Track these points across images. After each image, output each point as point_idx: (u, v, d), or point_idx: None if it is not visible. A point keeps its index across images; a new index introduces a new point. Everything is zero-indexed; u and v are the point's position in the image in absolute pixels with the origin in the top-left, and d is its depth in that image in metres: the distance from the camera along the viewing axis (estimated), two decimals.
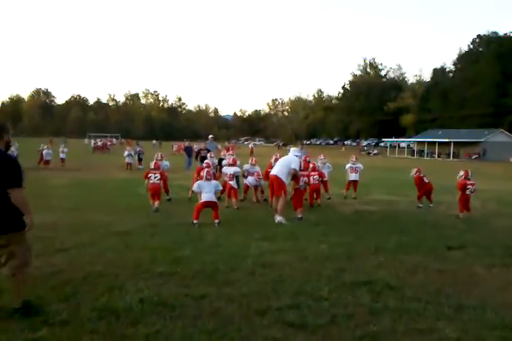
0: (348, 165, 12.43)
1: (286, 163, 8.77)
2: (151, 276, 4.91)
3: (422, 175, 11.00)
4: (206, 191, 8.11)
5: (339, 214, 9.81)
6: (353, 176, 12.26)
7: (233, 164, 10.79)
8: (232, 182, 10.23)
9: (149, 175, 9.69)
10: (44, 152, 21.47)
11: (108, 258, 5.60)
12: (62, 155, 23.28)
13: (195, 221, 7.87)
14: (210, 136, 16.47)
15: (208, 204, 8.07)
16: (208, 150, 14.74)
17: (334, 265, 5.50)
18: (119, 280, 4.75)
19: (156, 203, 9.38)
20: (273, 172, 8.78)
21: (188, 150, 22.49)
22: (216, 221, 7.96)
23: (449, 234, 7.61)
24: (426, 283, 4.91)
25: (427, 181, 10.96)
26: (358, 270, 5.30)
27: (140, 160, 23.32)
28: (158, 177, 9.69)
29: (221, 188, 8.91)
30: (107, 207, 9.83)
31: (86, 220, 8.13)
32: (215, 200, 8.23)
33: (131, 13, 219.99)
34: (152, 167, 9.99)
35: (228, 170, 10.49)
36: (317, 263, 5.60)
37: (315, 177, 10.38)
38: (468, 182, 9.52)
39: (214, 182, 8.44)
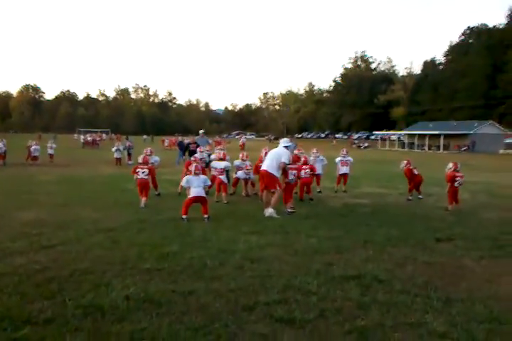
0: (338, 159, 12.39)
1: (276, 156, 8.61)
2: (138, 272, 4.85)
3: (411, 167, 11.03)
4: (195, 186, 8.02)
5: (329, 207, 9.79)
6: (343, 169, 12.23)
7: (223, 158, 10.72)
8: (223, 177, 10.16)
9: (137, 170, 9.55)
10: (32, 148, 21.26)
11: (95, 255, 5.52)
12: (50, 151, 23.08)
13: (184, 216, 7.80)
14: (201, 131, 16.39)
15: (197, 199, 8.00)
16: (197, 145, 14.66)
17: (323, 259, 5.47)
18: (106, 277, 4.68)
19: (143, 200, 9.23)
20: (263, 166, 8.69)
21: (181, 145, 22.49)
22: (205, 216, 7.89)
23: (437, 227, 7.62)
24: (414, 275, 4.91)
25: (416, 173, 10.99)
26: (346, 264, 5.28)
27: (129, 155, 23.13)
28: (147, 172, 9.54)
29: (210, 183, 8.82)
30: (94, 202, 9.72)
31: (73, 216, 8.03)
32: (204, 195, 8.15)
33: (121, 7, 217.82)
34: (140, 161, 9.87)
35: (218, 165, 10.41)
36: (306, 257, 5.57)
37: (306, 170, 10.32)
38: (457, 174, 9.55)
39: (203, 176, 8.35)
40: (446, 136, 50.13)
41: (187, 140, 24.01)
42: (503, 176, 18.74)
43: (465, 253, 5.89)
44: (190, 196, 8.02)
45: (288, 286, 4.47)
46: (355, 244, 6.27)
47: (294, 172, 9.29)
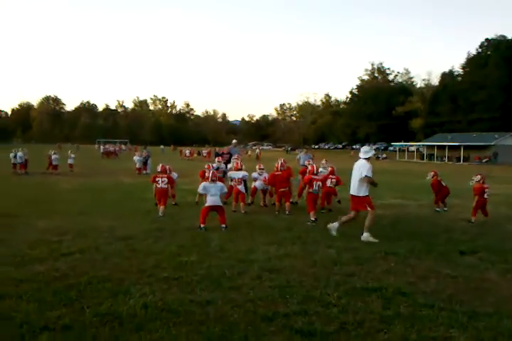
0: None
1: (357, 173, 7.56)
2: (156, 281, 4.82)
3: (439, 179, 10.91)
4: (212, 193, 8.00)
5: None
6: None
7: (240, 168, 10.69)
8: (240, 187, 10.13)
9: (157, 179, 9.59)
10: (52, 157, 21.62)
11: (113, 263, 5.52)
12: (70, 161, 23.48)
13: (201, 225, 7.78)
14: (234, 141, 16.23)
15: (213, 208, 7.98)
16: (231, 154, 14.72)
17: (343, 270, 5.37)
18: (124, 285, 4.66)
19: (161, 208, 9.25)
20: (350, 191, 7.76)
21: (218, 156, 22.02)
22: (223, 225, 7.88)
23: (460, 239, 7.44)
24: (438, 289, 4.76)
25: (444, 184, 10.85)
26: (367, 275, 5.17)
27: (145, 164, 23.20)
28: (166, 181, 9.58)
29: (226, 191, 8.81)
30: (113, 211, 9.77)
31: (92, 225, 8.07)
32: (221, 204, 8.13)
33: (140, 20, 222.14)
34: (159, 170, 9.91)
35: (236, 175, 10.38)
36: (325, 268, 5.47)
37: (332, 180, 10.30)
38: (484, 186, 9.39)
39: (220, 184, 8.32)
40: (465, 147, 49.42)
41: (221, 150, 23.90)
42: None
43: (490, 267, 5.71)
44: (207, 205, 8.00)
45: (308, 297, 4.38)
46: (376, 255, 6.15)
47: (319, 183, 9.24)
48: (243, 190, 10.19)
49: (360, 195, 7.50)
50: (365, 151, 7.78)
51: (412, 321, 3.85)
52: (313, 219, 8.76)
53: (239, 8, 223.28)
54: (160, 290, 4.51)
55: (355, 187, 7.51)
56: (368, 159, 7.64)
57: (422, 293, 4.62)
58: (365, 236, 7.34)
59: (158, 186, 9.54)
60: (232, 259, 5.77)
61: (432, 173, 11.06)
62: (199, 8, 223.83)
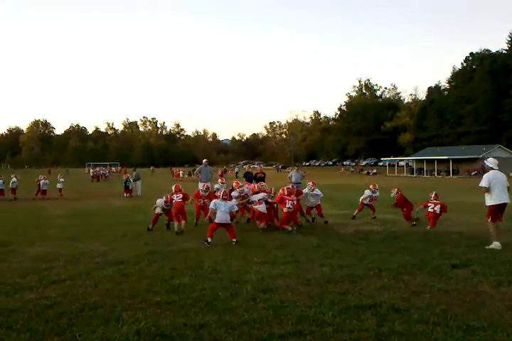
0: (367, 193, 12.32)
1: (504, 184, 8.41)
2: (149, 306, 4.76)
3: (402, 194, 11.63)
4: (221, 210, 8.28)
5: (340, 235, 9.66)
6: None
7: (258, 191, 10.73)
8: (261, 207, 10.07)
9: (173, 197, 10.05)
10: (41, 182, 21.48)
11: (104, 289, 5.45)
12: (59, 185, 23.36)
13: (208, 239, 8.11)
14: (204, 160, 16.20)
15: (221, 225, 8.32)
16: (264, 174, 14.95)
17: (337, 288, 5.35)
18: (116, 312, 4.60)
19: (183, 223, 9.67)
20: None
21: (249, 176, 21.58)
22: (234, 240, 8.25)
23: (452, 252, 7.45)
24: (432, 304, 4.76)
25: (408, 200, 11.49)
26: (361, 293, 5.15)
27: (126, 188, 22.69)
28: (181, 196, 10.06)
29: (237, 209, 9.31)
30: (104, 235, 9.68)
31: (82, 250, 7.98)
32: (229, 222, 8.43)
33: (128, 42, 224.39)
34: (174, 190, 10.32)
35: (256, 197, 10.37)
36: (319, 286, 5.45)
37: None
38: (431, 200, 10.48)
39: (231, 202, 8.73)
40: (454, 160, 49.91)
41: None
42: None
43: (482, 280, 5.72)
44: (215, 221, 8.31)
45: (302, 317, 4.35)
46: (369, 272, 6.14)
47: (291, 202, 9.75)
48: (264, 210, 10.14)
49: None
50: (496, 163, 8.65)
51: (407, 337, 3.84)
52: (289, 229, 9.55)
53: (227, 28, 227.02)
54: (153, 315, 4.45)
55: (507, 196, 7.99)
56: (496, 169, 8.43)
57: (416, 308, 4.61)
58: (496, 244, 7.79)
59: (174, 200, 9.95)
60: (226, 280, 5.72)
61: (396, 189, 11.68)
62: (188, 28, 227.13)
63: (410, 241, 8.75)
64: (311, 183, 11.71)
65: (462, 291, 5.23)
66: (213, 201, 8.64)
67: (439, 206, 10.28)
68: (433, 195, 10.61)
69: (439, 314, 4.42)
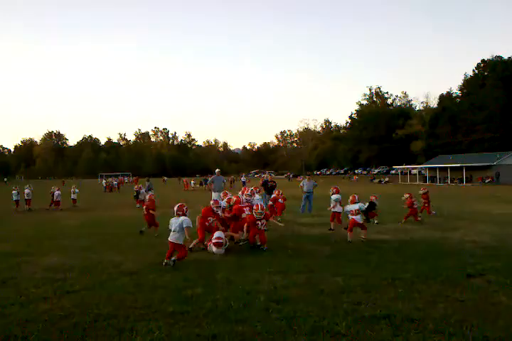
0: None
1: None
2: (162, 316, 4.77)
3: (413, 200, 13.01)
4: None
5: (353, 244, 9.59)
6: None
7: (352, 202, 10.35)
8: (357, 217, 9.85)
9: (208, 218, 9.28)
10: (55, 193, 21.69)
11: (118, 299, 5.47)
12: (73, 196, 23.56)
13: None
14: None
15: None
16: (275, 183, 14.96)
17: (350, 298, 5.32)
18: (130, 322, 4.62)
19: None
20: None
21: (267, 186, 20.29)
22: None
23: (467, 261, 7.36)
24: (447, 314, 4.70)
25: (415, 206, 13.04)
26: (375, 303, 5.11)
27: (137, 198, 22.60)
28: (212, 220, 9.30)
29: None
30: (117, 246, 9.73)
31: (96, 260, 8.03)
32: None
33: (141, 54, 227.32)
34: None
35: (352, 207, 10.07)
36: (333, 296, 5.42)
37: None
38: (413, 199, 12.84)
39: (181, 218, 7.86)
40: (468, 168, 49.37)
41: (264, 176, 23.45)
42: None
43: (498, 289, 5.65)
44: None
45: (316, 328, 4.32)
46: (383, 281, 6.09)
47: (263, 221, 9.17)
48: (360, 220, 9.94)
49: None
50: None
51: None
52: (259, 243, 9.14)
53: (237, 37, 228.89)
54: (166, 326, 4.46)
55: None
56: None
57: (431, 318, 4.56)
58: None
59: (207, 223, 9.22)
60: (239, 291, 5.72)
61: (408, 195, 13.21)
62: (200, 40, 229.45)
63: (423, 250, 8.66)
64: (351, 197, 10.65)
65: (478, 301, 5.16)
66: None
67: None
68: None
69: (455, 324, 4.37)
